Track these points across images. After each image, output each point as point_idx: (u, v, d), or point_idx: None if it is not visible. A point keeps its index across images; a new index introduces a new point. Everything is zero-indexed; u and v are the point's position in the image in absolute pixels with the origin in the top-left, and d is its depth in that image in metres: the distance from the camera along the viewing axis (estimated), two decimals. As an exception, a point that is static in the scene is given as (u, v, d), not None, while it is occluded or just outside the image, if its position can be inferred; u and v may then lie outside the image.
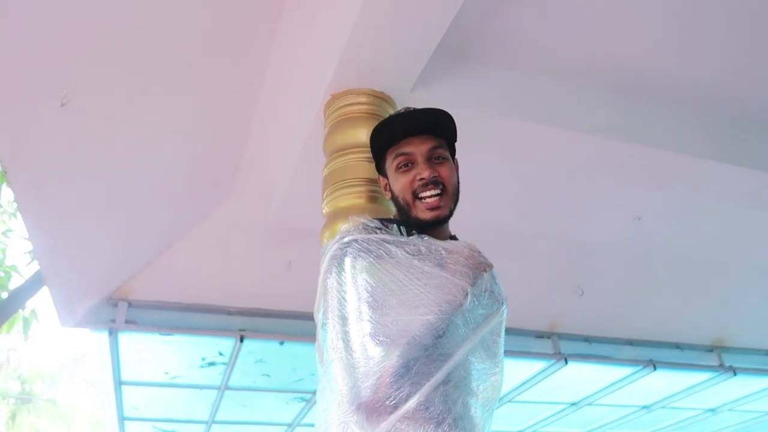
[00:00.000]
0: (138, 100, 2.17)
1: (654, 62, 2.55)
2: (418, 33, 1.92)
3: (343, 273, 1.35)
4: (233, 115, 2.63)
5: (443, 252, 1.37)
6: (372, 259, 1.33)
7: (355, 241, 1.38)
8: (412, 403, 1.21)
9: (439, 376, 1.25)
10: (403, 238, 1.38)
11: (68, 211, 2.61)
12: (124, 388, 4.34)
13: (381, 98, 2.11)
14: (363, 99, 2.09)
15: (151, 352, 3.81)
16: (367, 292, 1.30)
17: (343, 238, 1.40)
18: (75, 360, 20.62)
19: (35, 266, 4.42)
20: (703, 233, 3.64)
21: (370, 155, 1.94)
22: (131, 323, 3.42)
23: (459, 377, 1.29)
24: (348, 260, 1.35)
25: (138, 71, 2.08)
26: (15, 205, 4.95)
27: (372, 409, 1.22)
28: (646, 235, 3.66)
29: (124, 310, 3.40)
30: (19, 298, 4.04)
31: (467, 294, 1.32)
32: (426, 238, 1.38)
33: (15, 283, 4.60)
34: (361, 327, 1.28)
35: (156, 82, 2.20)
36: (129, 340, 3.60)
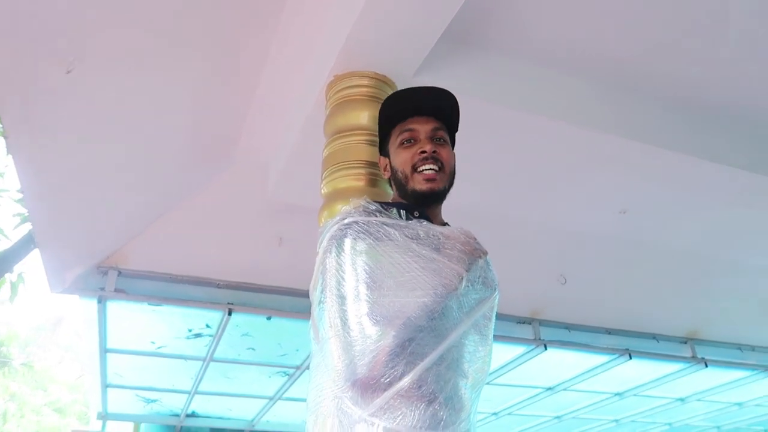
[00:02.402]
0: (142, 71, 2.17)
1: (651, 59, 2.60)
2: (425, 18, 1.94)
3: (342, 253, 1.40)
4: (235, 91, 2.63)
5: (441, 237, 1.42)
6: (372, 241, 1.38)
7: (356, 222, 1.42)
8: (405, 382, 1.27)
9: (433, 356, 1.31)
10: (403, 222, 1.43)
11: (65, 176, 2.61)
12: (108, 355, 4.37)
13: (383, 81, 2.14)
14: (365, 81, 2.11)
15: (138, 321, 3.84)
16: (366, 272, 1.35)
17: (343, 219, 1.45)
18: (52, 325, 20.52)
19: (23, 230, 4.41)
20: (685, 229, 3.73)
21: (371, 138, 2.00)
22: (120, 292, 3.44)
23: (451, 358, 1.35)
24: (348, 241, 1.39)
25: (143, 42, 2.08)
26: (3, 165, 4.90)
27: (367, 385, 1.27)
28: (630, 228, 3.74)
29: (114, 279, 3.41)
30: (6, 261, 4.03)
31: (462, 279, 1.38)
32: (424, 222, 1.44)
33: (1, 245, 4.58)
34: (358, 306, 1.33)
35: (161, 54, 2.21)
36: (117, 308, 3.62)
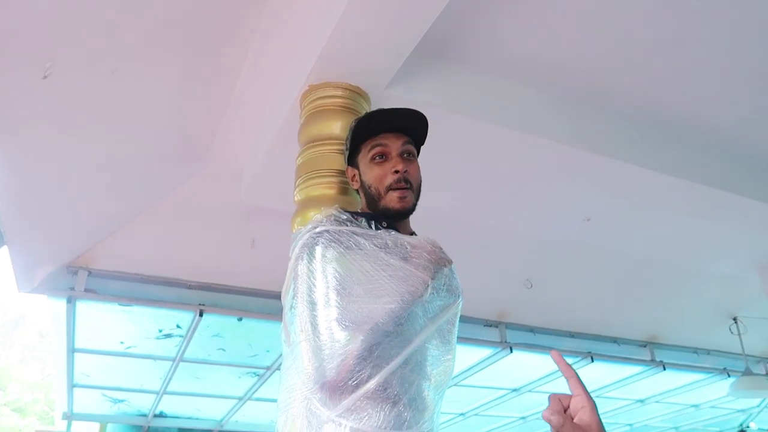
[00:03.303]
0: (118, 75, 2.19)
1: (616, 75, 2.71)
2: (398, 32, 2.01)
3: (313, 261, 1.46)
4: (211, 95, 2.67)
5: (408, 246, 1.50)
6: (342, 250, 1.45)
7: (327, 231, 1.49)
8: (371, 384, 1.33)
9: (398, 360, 1.37)
10: (372, 232, 1.50)
11: (38, 175, 2.61)
12: (76, 355, 4.34)
13: (356, 93, 2.20)
14: (339, 92, 2.18)
15: (108, 322, 3.83)
16: (336, 280, 1.41)
17: (315, 227, 1.51)
18: (13, 323, 20.02)
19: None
20: (645, 237, 3.89)
21: (342, 147, 2.06)
22: (90, 292, 3.43)
23: (415, 362, 1.42)
24: (319, 249, 1.46)
25: (119, 47, 2.11)
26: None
27: (335, 387, 1.34)
28: (593, 235, 3.88)
29: (84, 279, 3.40)
30: (-28, 260, 3.97)
31: (428, 286, 1.45)
32: (393, 232, 1.51)
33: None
34: (328, 312, 1.39)
35: (137, 59, 2.23)
36: (86, 308, 3.61)
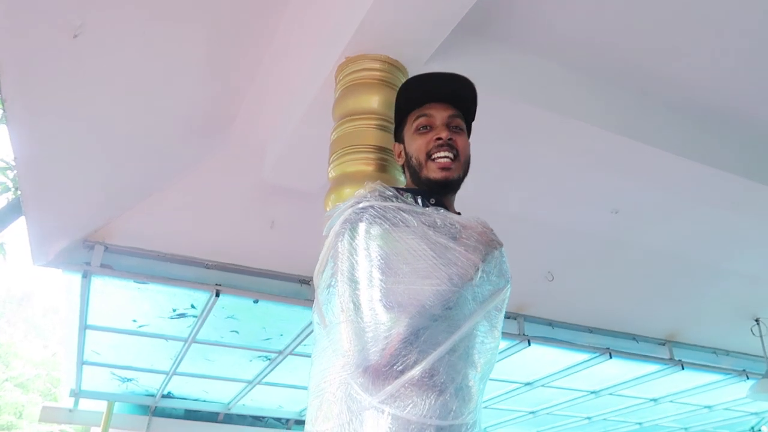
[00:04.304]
0: (146, 41, 2.10)
1: (657, 62, 2.61)
2: (443, 4, 1.91)
3: (356, 237, 1.37)
4: (237, 69, 2.58)
5: (458, 226, 1.41)
6: (388, 226, 1.36)
7: (372, 207, 1.39)
8: (417, 370, 1.25)
9: (446, 345, 1.29)
10: (419, 209, 1.41)
11: (59, 146, 2.54)
12: (88, 332, 4.29)
13: (395, 66, 2.10)
14: (377, 65, 2.08)
15: (122, 299, 3.77)
16: (380, 257, 1.32)
17: (358, 203, 1.42)
18: (19, 299, 20.15)
19: (2, 200, 4.29)
20: (672, 231, 3.79)
21: (381, 123, 1.98)
22: (106, 267, 3.36)
23: (463, 349, 1.34)
24: (362, 225, 1.36)
25: (151, 12, 2.02)
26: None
27: (378, 372, 1.25)
28: (620, 228, 3.78)
29: (101, 254, 3.34)
30: (-13, 231, 3.91)
31: (478, 269, 1.37)
32: (441, 210, 1.42)
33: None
34: (371, 292, 1.30)
35: (167, 26, 2.14)
36: (101, 284, 3.55)
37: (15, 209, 3.78)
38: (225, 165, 3.16)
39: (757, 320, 4.85)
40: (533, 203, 3.56)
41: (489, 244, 1.43)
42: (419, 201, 1.45)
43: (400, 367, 1.25)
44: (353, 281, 1.34)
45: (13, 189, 4.29)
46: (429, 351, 1.27)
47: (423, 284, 1.31)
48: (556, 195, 3.47)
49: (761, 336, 4.81)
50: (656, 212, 3.57)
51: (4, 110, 2.31)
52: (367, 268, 1.33)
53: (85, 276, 3.35)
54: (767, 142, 3.07)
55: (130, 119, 2.60)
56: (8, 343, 18.18)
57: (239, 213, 3.41)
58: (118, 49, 2.12)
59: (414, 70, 2.15)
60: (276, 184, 3.08)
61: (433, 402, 1.25)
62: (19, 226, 3.04)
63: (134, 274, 3.44)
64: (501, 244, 1.49)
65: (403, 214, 1.38)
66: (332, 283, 1.41)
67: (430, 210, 1.41)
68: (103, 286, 3.57)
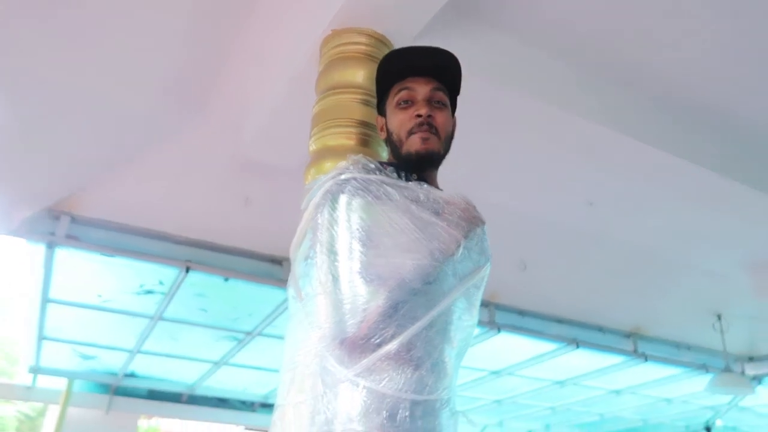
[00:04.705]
0: (121, 7, 2.02)
1: (642, 54, 2.62)
2: (434, -20, 1.88)
3: (337, 209, 1.34)
4: (217, 40, 2.50)
5: (441, 201, 1.40)
6: (370, 199, 1.34)
7: (354, 179, 1.37)
8: (395, 344, 1.23)
9: (425, 320, 1.28)
10: (402, 183, 1.39)
11: (25, 108, 2.43)
12: (49, 306, 4.16)
13: (382, 41, 2.07)
14: (363, 39, 2.04)
15: (87, 272, 3.66)
16: (361, 230, 1.30)
17: (340, 174, 1.39)
18: (-23, 274, 19.51)
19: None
20: (645, 226, 3.84)
21: (365, 97, 1.94)
22: (72, 239, 3.26)
23: (441, 324, 1.33)
24: (344, 197, 1.34)
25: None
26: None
27: (355, 345, 1.24)
28: (593, 220, 3.82)
29: (66, 225, 3.23)
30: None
31: (460, 245, 1.35)
32: (425, 185, 1.40)
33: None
34: (351, 264, 1.28)
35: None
36: (66, 256, 3.44)
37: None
38: (201, 138, 3.08)
39: (718, 316, 4.98)
40: (508, 191, 3.57)
41: (472, 221, 1.42)
42: (402, 175, 1.42)
43: (378, 341, 1.24)
44: (332, 253, 1.31)
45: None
46: (407, 325, 1.25)
47: (404, 258, 1.29)
48: (532, 184, 3.48)
49: (722, 332, 4.94)
50: (631, 206, 3.62)
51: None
52: (347, 240, 1.30)
53: (50, 246, 3.24)
54: (745, 140, 3.12)
55: (101, 86, 2.51)
56: (-36, 319, 17.64)
57: (213, 188, 3.34)
58: (90, 12, 2.03)
59: (401, 45, 2.11)
60: (252, 159, 3.01)
61: (409, 376, 1.24)
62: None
63: (101, 246, 3.34)
64: (483, 222, 1.48)
65: (386, 188, 1.36)
66: (310, 255, 1.38)
67: (413, 184, 1.39)
68: (68, 258, 3.46)
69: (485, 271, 1.48)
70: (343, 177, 1.38)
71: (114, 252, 3.37)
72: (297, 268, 1.45)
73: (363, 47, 2.03)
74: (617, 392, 6.15)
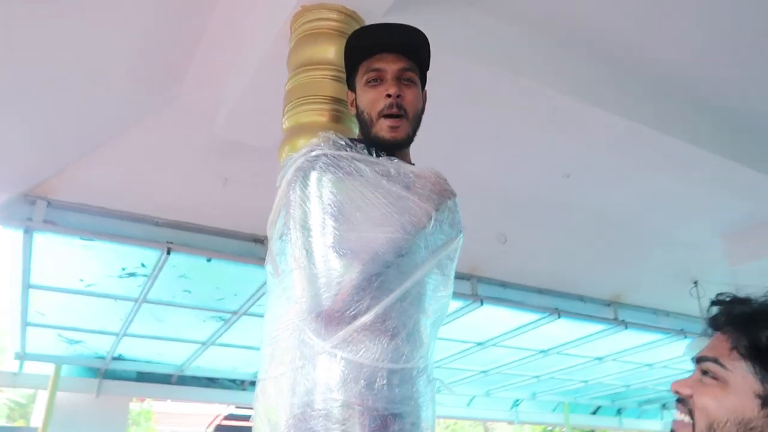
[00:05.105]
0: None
1: (613, 26, 2.63)
2: (401, -46, 1.87)
3: (309, 185, 1.36)
4: (189, 19, 2.47)
5: (411, 175, 1.41)
6: (341, 175, 1.35)
7: (325, 155, 1.38)
8: (370, 316, 1.26)
9: (398, 292, 1.31)
10: (373, 158, 1.40)
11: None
12: (31, 291, 4.15)
13: (352, 17, 2.06)
14: (334, 15, 2.03)
15: (67, 257, 3.65)
16: (334, 205, 1.32)
17: (311, 151, 1.40)
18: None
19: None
20: (621, 196, 3.90)
21: (336, 73, 1.94)
22: (49, 224, 3.23)
23: (415, 295, 1.36)
24: (314, 174, 1.35)
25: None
26: None
27: (331, 318, 1.26)
28: (571, 192, 3.87)
29: (43, 209, 3.21)
30: None
31: (431, 218, 1.37)
32: (395, 160, 1.42)
33: None
34: (324, 239, 1.30)
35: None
36: (45, 241, 3.42)
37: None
38: (176, 118, 3.05)
39: (695, 283, 5.09)
40: (486, 165, 3.59)
41: (442, 194, 1.44)
42: (372, 152, 1.44)
43: (353, 313, 1.27)
44: (306, 229, 1.33)
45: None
46: (381, 297, 1.28)
47: (376, 232, 1.31)
48: (509, 158, 3.51)
49: (698, 298, 5.05)
50: (607, 177, 3.66)
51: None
52: (319, 215, 1.32)
53: (27, 232, 3.22)
54: (717, 110, 3.16)
55: (74, 67, 2.48)
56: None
57: (191, 169, 3.32)
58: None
59: (371, 20, 2.10)
60: (228, 139, 3.00)
61: (385, 346, 1.27)
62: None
63: (80, 231, 3.32)
64: (454, 194, 1.50)
65: (357, 164, 1.37)
66: (285, 232, 1.40)
67: (384, 159, 1.41)
68: (47, 243, 3.44)
69: (458, 243, 1.51)
70: (313, 154, 1.39)
71: (93, 236, 3.35)
72: (273, 245, 1.47)
73: (333, 23, 2.02)
74: (599, 359, 6.29)
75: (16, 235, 3.29)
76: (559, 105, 2.76)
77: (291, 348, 1.30)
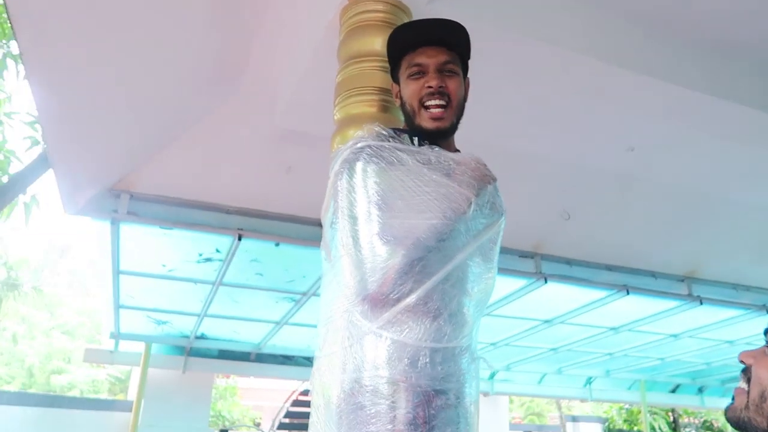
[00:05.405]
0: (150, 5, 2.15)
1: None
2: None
3: (354, 176, 1.44)
4: (246, 14, 2.60)
5: (452, 162, 1.46)
6: (384, 165, 1.42)
7: (369, 146, 1.46)
8: (413, 298, 1.33)
9: (440, 275, 1.37)
10: (415, 148, 1.46)
11: (78, 98, 2.63)
12: (121, 277, 4.51)
13: (398, 7, 2.11)
14: (380, 7, 2.09)
15: (150, 245, 3.95)
16: (377, 194, 1.39)
17: (356, 143, 1.48)
18: (60, 250, 20.97)
19: (34, 153, 4.46)
20: (689, 168, 3.74)
21: (385, 64, 2.00)
22: (132, 215, 3.51)
23: (457, 278, 1.41)
24: (360, 164, 1.43)
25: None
26: (11, 89, 4.88)
27: (376, 301, 1.34)
28: (635, 165, 3.75)
29: (126, 202, 3.48)
30: (20, 182, 4.09)
31: (471, 203, 1.42)
32: (436, 148, 1.47)
33: (13, 168, 4.64)
34: (369, 227, 1.38)
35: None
36: (130, 231, 3.72)
37: (45, 162, 3.94)
38: (240, 111, 3.22)
39: (779, 255, 4.82)
40: (548, 142, 3.55)
41: (482, 179, 1.48)
42: (415, 141, 1.50)
43: (396, 295, 1.34)
44: (352, 218, 1.41)
45: (42, 142, 4.46)
46: (423, 280, 1.35)
47: (418, 218, 1.38)
48: (571, 134, 3.45)
49: (783, 271, 4.79)
50: (671, 147, 3.53)
51: (24, 65, 2.38)
52: (365, 204, 1.40)
53: (114, 223, 3.51)
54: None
55: (143, 70, 2.67)
56: (53, 293, 19.07)
57: (256, 159, 3.50)
58: (127, 4, 2.16)
59: (417, 9, 2.15)
60: (289, 129, 3.13)
61: (428, 326, 1.34)
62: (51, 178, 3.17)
63: (159, 220, 3.58)
64: (494, 179, 1.53)
65: (399, 153, 1.44)
66: (334, 220, 1.49)
67: (425, 148, 1.46)
68: (131, 232, 3.74)
69: (500, 226, 1.54)
70: (358, 146, 1.47)
71: (171, 224, 3.61)
72: (326, 232, 1.57)
73: (380, 14, 2.08)
74: (675, 336, 6.09)
75: (104, 226, 3.59)
76: (616, 78, 2.70)
77: (341, 328, 1.39)
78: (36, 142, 4.50)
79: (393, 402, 1.29)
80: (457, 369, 1.37)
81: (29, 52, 2.16)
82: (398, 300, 1.34)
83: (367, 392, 1.31)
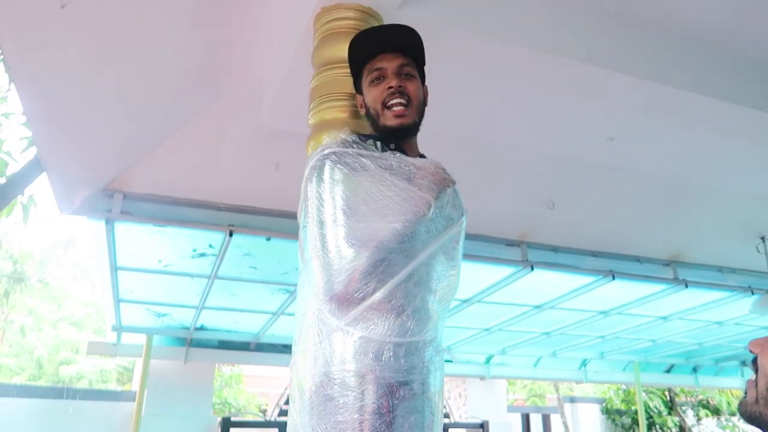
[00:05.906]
0: (135, 1, 2.23)
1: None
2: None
3: (321, 182, 1.54)
4: (229, 16, 2.68)
5: (412, 167, 1.56)
6: (348, 171, 1.52)
7: (334, 153, 1.56)
8: (377, 296, 1.44)
9: (402, 275, 1.47)
10: (377, 153, 1.57)
11: (66, 102, 2.71)
12: (119, 272, 4.63)
13: (369, 14, 2.19)
14: (351, 14, 2.16)
15: (145, 241, 4.06)
16: (343, 200, 1.50)
17: (323, 150, 1.59)
18: (64, 244, 21.16)
19: (30, 153, 4.55)
20: (668, 155, 3.81)
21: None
22: (126, 214, 3.62)
23: (420, 276, 1.51)
24: (326, 171, 1.53)
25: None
26: (6, 89, 4.97)
27: (343, 299, 1.45)
28: (617, 154, 3.83)
29: (120, 201, 3.59)
30: (17, 184, 4.19)
31: (431, 206, 1.52)
32: (398, 154, 1.58)
33: (10, 169, 4.73)
34: (336, 231, 1.48)
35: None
36: (124, 229, 3.82)
37: (39, 163, 4.04)
38: (228, 111, 3.31)
39: (762, 238, 4.91)
40: (530, 135, 3.63)
41: (441, 183, 1.58)
42: (378, 146, 1.60)
43: (361, 294, 1.45)
44: (320, 222, 1.52)
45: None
46: (386, 279, 1.45)
47: (381, 222, 1.48)
48: (552, 127, 3.53)
49: (766, 253, 4.88)
50: (650, 139, 3.60)
51: (8, 72, 2.47)
52: (331, 210, 1.50)
53: (108, 222, 3.62)
54: (750, 66, 3.06)
55: (129, 73, 2.75)
56: (58, 285, 19.28)
57: (245, 156, 3.59)
58: (107, 12, 2.25)
59: (388, 15, 2.23)
60: (276, 128, 3.22)
61: (391, 323, 1.45)
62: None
63: (153, 218, 3.69)
64: (453, 182, 1.63)
65: (362, 159, 1.54)
66: (305, 224, 1.61)
67: (387, 154, 1.57)
68: (126, 230, 3.85)
69: (460, 226, 1.65)
70: (324, 152, 1.58)
71: (164, 222, 3.72)
72: (300, 234, 1.68)
73: (351, 21, 2.16)
74: (664, 318, 6.21)
75: (99, 225, 3.70)
76: (590, 74, 2.78)
77: (312, 325, 1.50)
78: (32, 143, 4.59)
79: (360, 393, 1.40)
80: (420, 361, 1.48)
81: (15, 59, 2.25)
82: (363, 299, 1.44)
83: (336, 384, 1.41)
